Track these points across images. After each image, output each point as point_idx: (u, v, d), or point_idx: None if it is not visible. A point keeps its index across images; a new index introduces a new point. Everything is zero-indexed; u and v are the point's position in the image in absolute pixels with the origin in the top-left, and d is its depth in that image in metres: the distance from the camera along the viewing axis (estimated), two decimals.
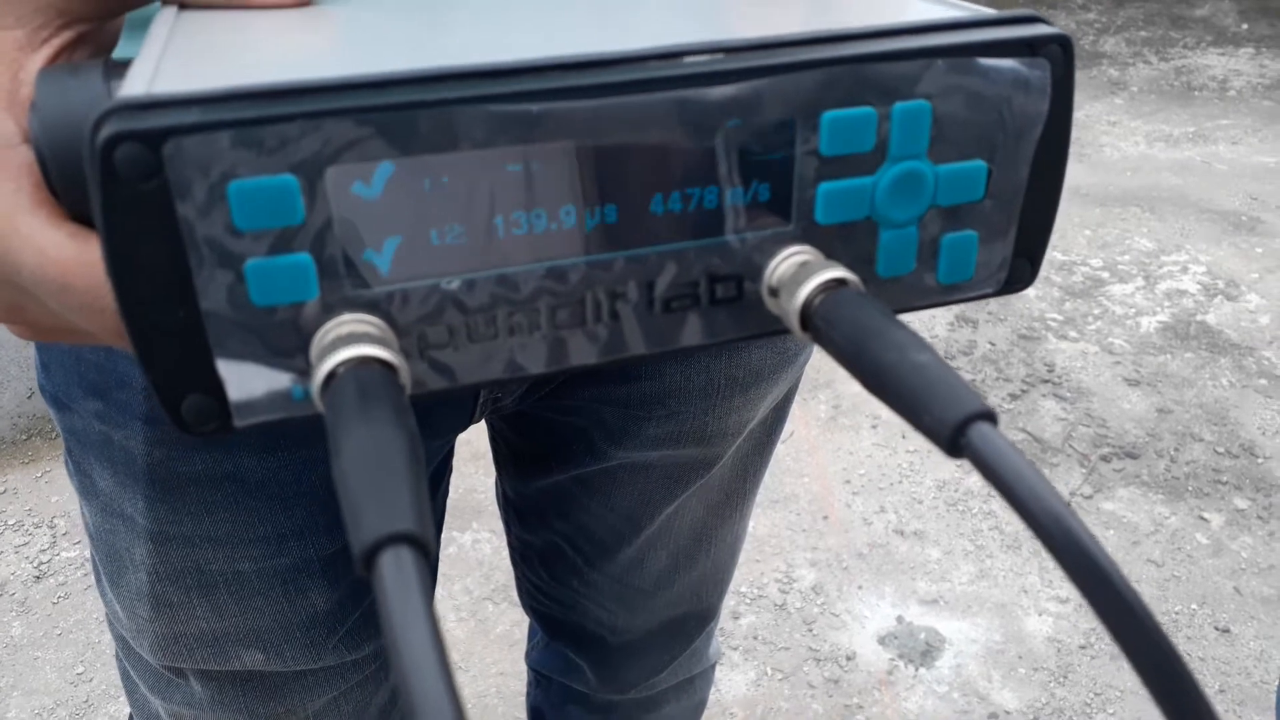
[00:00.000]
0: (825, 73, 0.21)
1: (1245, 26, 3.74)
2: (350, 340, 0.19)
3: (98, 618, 1.43)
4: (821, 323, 0.21)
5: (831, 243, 0.23)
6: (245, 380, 0.20)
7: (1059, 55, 0.22)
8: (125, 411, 0.45)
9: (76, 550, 1.53)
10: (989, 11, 0.23)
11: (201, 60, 0.21)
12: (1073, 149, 2.82)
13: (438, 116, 0.19)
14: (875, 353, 0.19)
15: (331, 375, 0.19)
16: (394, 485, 0.16)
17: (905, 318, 0.24)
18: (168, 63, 0.21)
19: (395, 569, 0.15)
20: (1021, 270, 0.25)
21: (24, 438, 1.75)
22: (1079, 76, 3.35)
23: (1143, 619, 0.16)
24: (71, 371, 0.47)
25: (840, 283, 0.21)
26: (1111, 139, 2.89)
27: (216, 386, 0.20)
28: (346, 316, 0.20)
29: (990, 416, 0.18)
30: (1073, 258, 2.25)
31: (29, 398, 1.76)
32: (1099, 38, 3.70)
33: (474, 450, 1.60)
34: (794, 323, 0.21)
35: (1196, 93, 3.21)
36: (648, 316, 0.22)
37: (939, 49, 0.22)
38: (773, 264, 0.22)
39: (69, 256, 0.23)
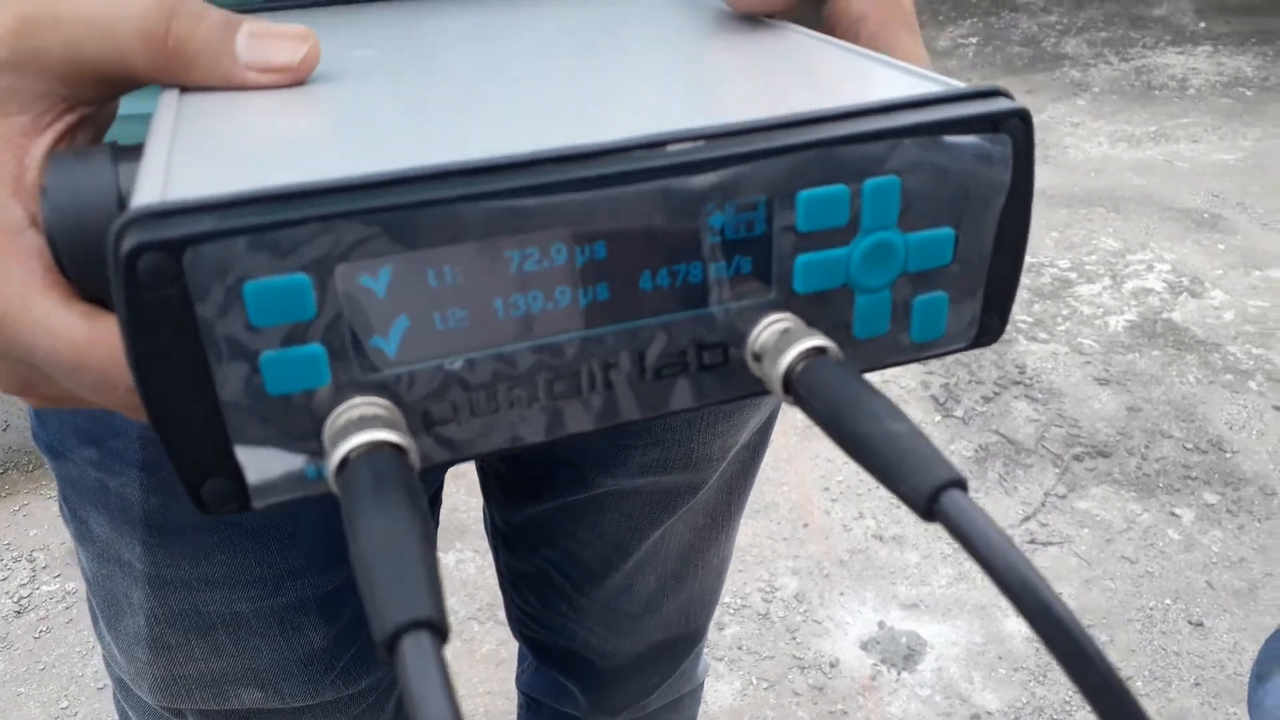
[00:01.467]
0: (800, 156, 0.22)
1: (1203, 25, 3.80)
2: (361, 425, 0.20)
3: (80, 651, 1.42)
4: (803, 390, 0.22)
5: (810, 309, 0.24)
6: (262, 464, 0.22)
7: (1020, 129, 0.24)
8: (121, 459, 0.46)
9: (57, 584, 1.53)
10: (955, 86, 0.25)
11: (210, 155, 0.22)
12: (1037, 151, 2.86)
13: (440, 214, 0.20)
14: (852, 421, 0.21)
15: (345, 461, 0.20)
16: (411, 571, 0.17)
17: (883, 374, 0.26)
18: (178, 159, 0.22)
19: (416, 654, 0.16)
20: (990, 324, 0.26)
21: (0, 471, 1.73)
22: (1043, 79, 3.40)
23: (1116, 688, 0.17)
24: (66, 421, 0.47)
25: (820, 351, 0.22)
26: (1075, 140, 2.94)
27: (235, 470, 0.22)
28: (357, 400, 0.21)
29: (961, 484, 0.19)
30: (1040, 259, 2.28)
31: (3, 430, 1.74)
32: (1060, 39, 3.75)
33: (456, 470, 1.61)
34: (777, 388, 0.23)
35: (1157, 92, 3.26)
36: (640, 384, 0.24)
37: (905, 129, 0.23)
38: (755, 331, 0.24)
39: (82, 337, 0.24)
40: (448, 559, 1.55)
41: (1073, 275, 2.23)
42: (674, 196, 0.22)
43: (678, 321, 0.23)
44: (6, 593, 1.51)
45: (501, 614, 1.18)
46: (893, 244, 0.24)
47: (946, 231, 0.24)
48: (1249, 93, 3.21)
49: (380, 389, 0.22)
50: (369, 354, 0.21)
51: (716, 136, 0.22)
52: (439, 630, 0.17)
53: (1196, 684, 1.33)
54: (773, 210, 0.23)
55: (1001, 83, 3.48)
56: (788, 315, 0.24)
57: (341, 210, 0.20)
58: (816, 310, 0.24)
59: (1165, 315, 2.07)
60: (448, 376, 0.22)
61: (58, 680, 1.38)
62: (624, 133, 0.22)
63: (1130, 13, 3.97)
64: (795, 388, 0.22)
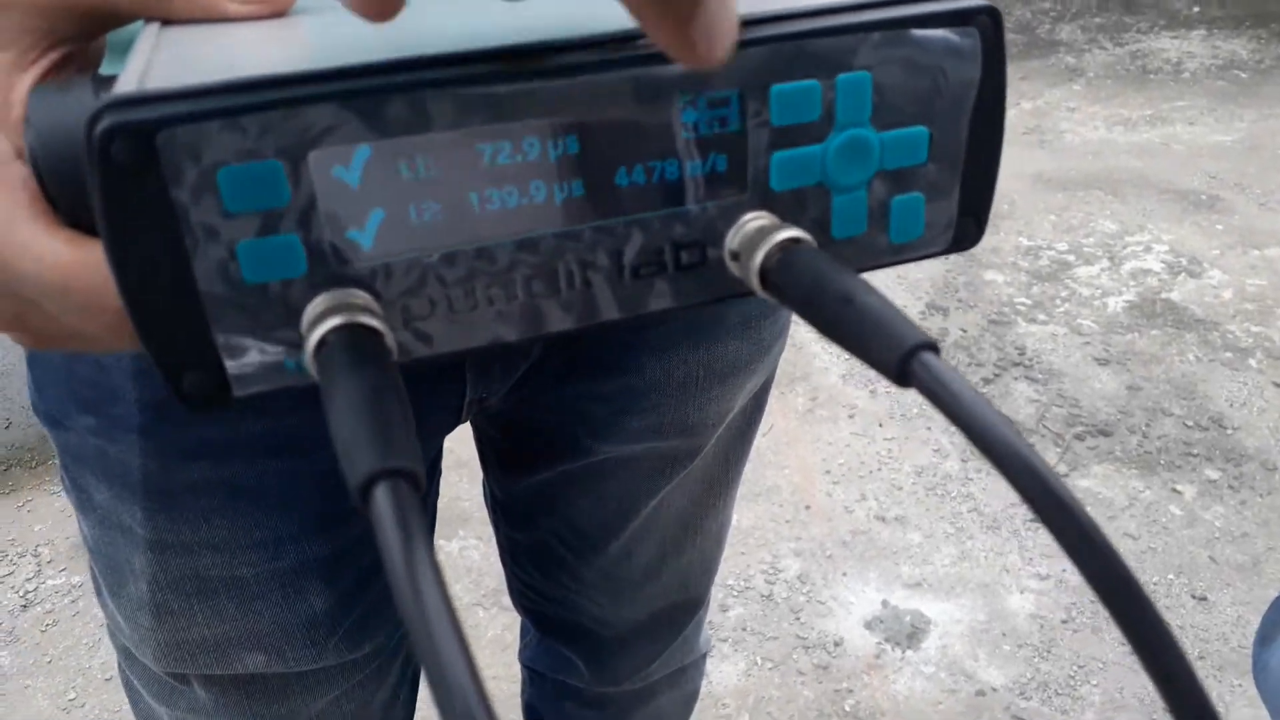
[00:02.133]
0: (771, 49, 0.23)
1: (1196, 9, 3.80)
2: (338, 310, 0.21)
3: (87, 643, 1.43)
4: (779, 279, 0.23)
5: (787, 208, 0.24)
6: (241, 353, 0.22)
7: (988, 24, 0.24)
8: (120, 425, 0.46)
9: (63, 577, 1.53)
10: None
11: (188, 63, 0.23)
12: (1034, 136, 2.86)
13: (410, 100, 0.21)
14: (828, 301, 0.21)
15: (322, 343, 0.20)
16: (385, 426, 0.18)
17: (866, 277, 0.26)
18: (156, 67, 0.22)
19: (389, 500, 0.16)
20: (968, 228, 0.26)
21: (3, 469, 1.74)
22: (1037, 65, 3.40)
23: (1088, 529, 0.18)
24: (64, 389, 0.48)
25: (795, 242, 0.23)
26: (1071, 125, 2.94)
27: (215, 361, 0.22)
28: (334, 291, 0.22)
29: (933, 347, 0.20)
30: (1039, 242, 2.29)
31: (6, 429, 1.75)
32: (1055, 26, 3.75)
33: (458, 458, 1.61)
34: (754, 283, 0.23)
35: (1152, 76, 3.26)
36: (618, 283, 0.24)
37: (874, 23, 0.23)
38: (733, 230, 0.24)
39: (68, 260, 0.24)
40: (451, 547, 1.55)
41: (1071, 257, 2.23)
42: (645, 87, 0.22)
43: (654, 220, 0.23)
44: (12, 587, 1.52)
45: (506, 599, 1.19)
46: (867, 141, 0.24)
47: (920, 130, 0.25)
48: (1244, 75, 3.21)
49: (357, 282, 0.22)
50: (344, 246, 0.22)
51: None
52: (414, 481, 0.17)
53: (1201, 657, 1.33)
54: (745, 104, 0.23)
55: None
56: (764, 214, 0.24)
57: (311, 94, 0.20)
58: (794, 209, 0.24)
59: (1164, 295, 2.07)
60: (424, 271, 0.22)
61: (65, 673, 1.39)
62: (599, 28, 0.22)
63: None
64: (772, 278, 0.23)
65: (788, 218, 0.24)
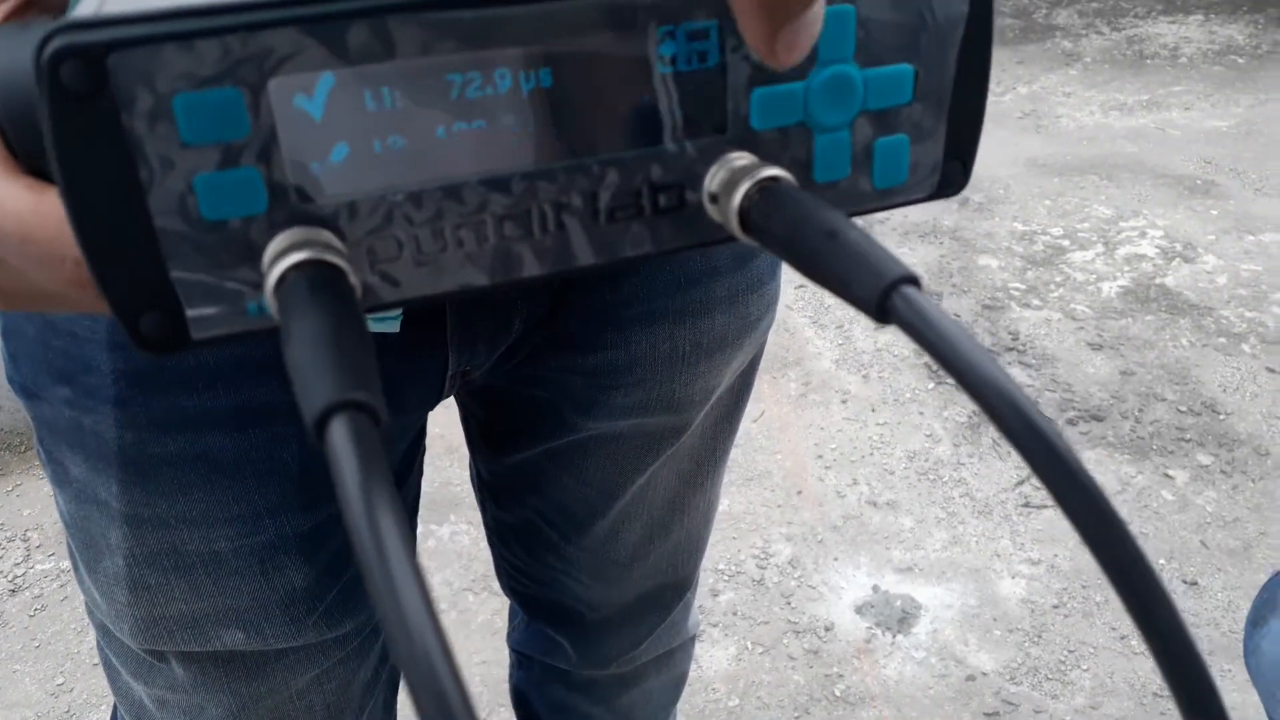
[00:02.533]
0: None
1: None
2: (300, 247, 0.20)
3: (75, 628, 1.42)
4: (759, 220, 0.22)
5: (768, 148, 0.23)
6: (200, 295, 0.21)
7: None
8: (94, 396, 0.46)
9: (51, 562, 1.52)
10: None
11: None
12: (1030, 121, 2.85)
13: (374, 25, 0.20)
14: (809, 238, 0.20)
15: (282, 279, 0.19)
16: (344, 359, 0.17)
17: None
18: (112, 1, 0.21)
19: (347, 432, 0.16)
20: (953, 173, 0.26)
21: None
22: (1033, 50, 3.39)
23: (1070, 463, 0.17)
24: (39, 360, 0.47)
25: (774, 180, 0.22)
26: (1067, 110, 2.93)
27: (173, 303, 0.21)
28: (296, 229, 0.21)
29: (912, 280, 0.19)
30: (1033, 227, 2.28)
31: None
32: (1051, 10, 3.74)
33: (448, 444, 1.61)
34: (734, 225, 0.22)
35: (1149, 61, 3.25)
36: (594, 226, 0.23)
37: None
38: (712, 171, 0.23)
39: (27, 209, 0.23)
40: (442, 531, 1.54)
41: (1065, 242, 2.22)
42: (622, 16, 0.21)
43: (630, 159, 0.23)
44: (1, 572, 1.51)
45: (496, 585, 1.18)
46: (850, 78, 0.23)
47: (905, 68, 0.24)
48: (1241, 60, 3.20)
49: (320, 220, 0.21)
50: (306, 182, 0.21)
51: None
52: (372, 414, 0.16)
53: None
54: (725, 37, 0.22)
55: (993, 55, 3.46)
56: (744, 153, 0.23)
57: (270, 19, 0.19)
58: (774, 150, 0.23)
59: (1158, 280, 2.07)
60: (390, 209, 0.21)
61: (53, 657, 1.38)
62: None
63: None
64: (752, 218, 0.22)
65: (768, 158, 0.23)
